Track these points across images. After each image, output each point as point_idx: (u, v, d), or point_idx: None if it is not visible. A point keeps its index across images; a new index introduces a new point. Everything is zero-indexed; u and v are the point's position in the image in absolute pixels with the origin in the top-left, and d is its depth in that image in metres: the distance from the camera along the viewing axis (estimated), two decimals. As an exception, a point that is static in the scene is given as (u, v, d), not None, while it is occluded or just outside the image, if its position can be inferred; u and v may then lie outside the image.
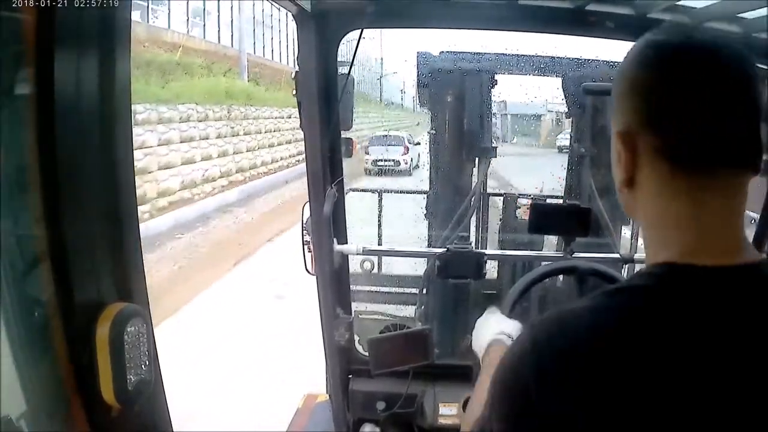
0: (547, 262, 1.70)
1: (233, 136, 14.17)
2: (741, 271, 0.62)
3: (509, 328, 1.21)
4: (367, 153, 13.87)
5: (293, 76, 1.73)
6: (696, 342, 0.58)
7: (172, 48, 14.26)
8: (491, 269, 2.37)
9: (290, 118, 17.35)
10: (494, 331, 1.21)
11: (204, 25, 18.00)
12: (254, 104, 15.56)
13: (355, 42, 1.68)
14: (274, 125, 16.98)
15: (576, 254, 1.79)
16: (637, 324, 0.59)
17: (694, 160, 0.62)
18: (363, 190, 3.38)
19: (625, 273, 2.08)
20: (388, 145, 14.04)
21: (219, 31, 18.44)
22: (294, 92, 1.72)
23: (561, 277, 2.49)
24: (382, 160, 13.67)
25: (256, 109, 15.62)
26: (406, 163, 13.90)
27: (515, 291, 1.47)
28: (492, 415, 0.65)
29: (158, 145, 10.49)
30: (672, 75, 0.63)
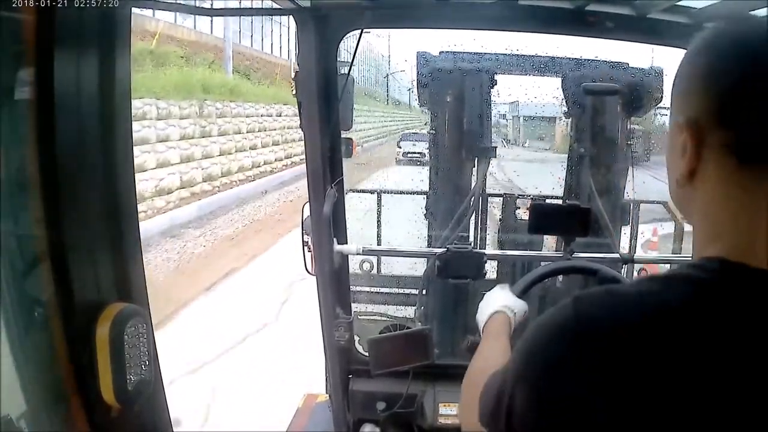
0: (546, 263, 1.70)
1: (204, 137, 12.19)
2: None
3: (514, 305, 1.23)
4: (399, 146, 16.61)
5: (293, 75, 1.73)
6: (742, 344, 0.56)
7: (151, 37, 12.68)
8: (491, 269, 2.36)
9: (280, 116, 15.82)
10: (500, 303, 1.23)
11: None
12: (237, 100, 13.87)
13: (355, 42, 1.68)
14: (259, 124, 15.03)
15: (576, 254, 1.80)
16: (686, 316, 0.57)
17: (765, 159, 0.60)
18: (362, 191, 3.37)
19: (624, 273, 2.08)
20: (416, 141, 15.50)
21: (212, 21, 16.65)
22: (294, 92, 1.73)
23: (561, 277, 2.50)
24: (410, 153, 15.60)
25: (237, 106, 13.79)
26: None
27: (532, 276, 1.47)
28: (515, 379, 0.63)
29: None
30: (753, 69, 0.61)
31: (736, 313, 0.57)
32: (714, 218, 0.63)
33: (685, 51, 0.68)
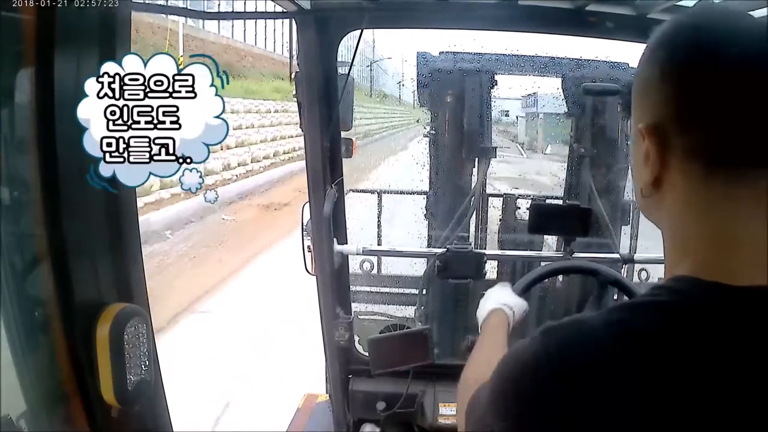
0: (546, 263, 1.70)
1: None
2: None
3: (513, 303, 1.23)
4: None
5: (293, 76, 1.73)
6: (716, 371, 0.52)
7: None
8: (491, 269, 2.37)
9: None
10: (499, 301, 1.23)
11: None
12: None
13: (355, 42, 1.68)
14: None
15: (576, 254, 1.80)
16: (655, 345, 0.53)
17: (735, 163, 0.55)
18: (362, 191, 3.36)
19: (624, 273, 2.08)
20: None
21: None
22: (294, 93, 1.73)
23: (561, 277, 2.50)
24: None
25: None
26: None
27: (533, 275, 1.47)
28: (492, 413, 0.62)
29: None
30: (714, 64, 0.55)
31: (709, 339, 0.53)
32: (683, 231, 0.59)
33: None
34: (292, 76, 1.73)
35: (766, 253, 0.55)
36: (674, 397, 0.52)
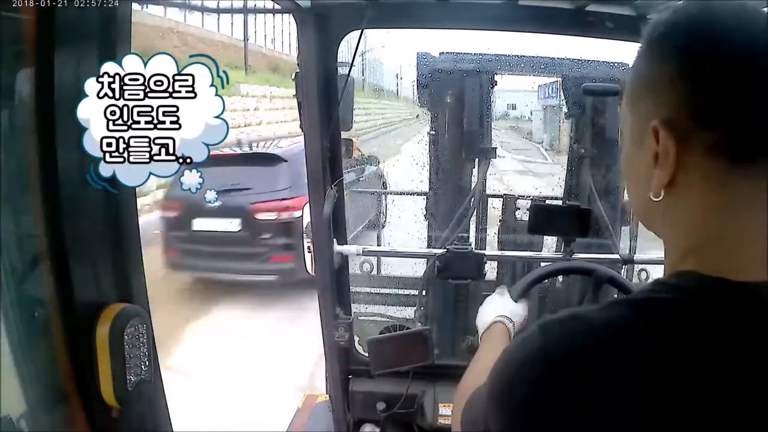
0: (546, 263, 1.70)
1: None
2: None
3: (512, 313, 1.22)
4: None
5: (293, 76, 1.73)
6: (719, 366, 0.51)
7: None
8: (491, 270, 2.37)
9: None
10: (499, 311, 1.23)
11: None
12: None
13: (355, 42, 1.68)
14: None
15: (576, 255, 1.80)
16: (656, 341, 0.52)
17: (757, 158, 0.54)
18: (362, 191, 3.37)
19: (624, 274, 2.08)
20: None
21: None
22: (294, 93, 1.73)
23: (561, 278, 2.50)
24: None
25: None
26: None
27: (529, 279, 1.48)
28: (490, 409, 0.61)
29: None
30: (733, 56, 0.53)
31: (709, 334, 0.52)
32: (691, 229, 0.57)
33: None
34: (293, 77, 1.73)
35: None
36: (674, 392, 0.51)
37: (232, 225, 4.72)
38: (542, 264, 1.75)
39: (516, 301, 1.29)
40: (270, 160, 5.23)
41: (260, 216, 4.84)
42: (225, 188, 4.58)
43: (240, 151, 5.68)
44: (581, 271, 1.57)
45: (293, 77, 1.73)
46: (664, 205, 0.58)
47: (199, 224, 4.77)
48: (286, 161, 5.12)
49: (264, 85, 13.86)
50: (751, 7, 0.56)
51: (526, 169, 11.21)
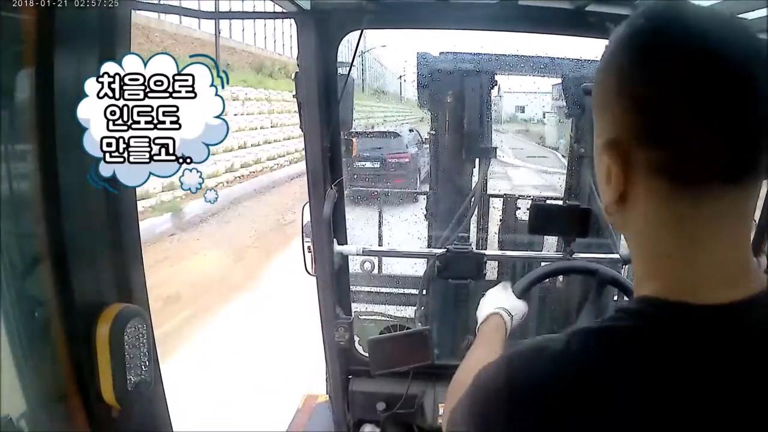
0: (546, 263, 1.70)
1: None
2: (745, 308, 0.53)
3: (512, 307, 1.23)
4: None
5: (293, 76, 1.73)
6: (686, 398, 0.51)
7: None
8: (491, 270, 2.37)
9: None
10: (499, 303, 1.23)
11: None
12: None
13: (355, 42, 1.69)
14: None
15: (576, 254, 1.80)
16: (618, 373, 0.52)
17: (701, 178, 0.52)
18: (363, 189, 3.37)
19: (624, 273, 2.08)
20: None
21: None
22: (294, 93, 1.73)
23: (561, 278, 2.50)
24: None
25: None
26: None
27: (532, 276, 1.48)
28: (469, 422, 0.62)
29: None
30: (674, 74, 0.51)
31: (671, 363, 0.52)
32: (649, 248, 0.57)
33: None
34: (292, 77, 1.73)
35: (730, 270, 0.54)
36: (639, 423, 0.51)
37: (376, 164, 9.57)
38: (543, 263, 1.75)
39: (518, 297, 1.29)
40: (392, 134, 10.72)
41: (390, 160, 9.76)
42: (374, 147, 9.69)
43: (377, 130, 11.43)
44: (585, 272, 1.58)
45: (293, 77, 1.73)
46: (620, 219, 0.58)
47: (360, 164, 9.25)
48: (400, 135, 10.51)
49: (238, 85, 12.85)
50: (695, 23, 0.53)
51: (547, 183, 10.27)
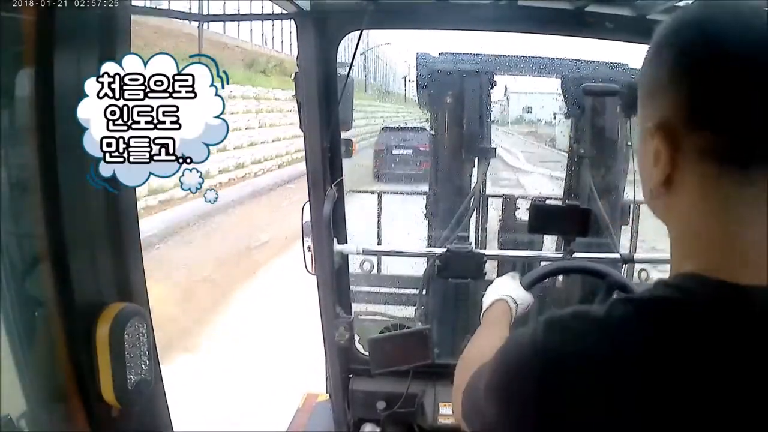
0: (546, 263, 1.70)
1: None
2: None
3: (518, 296, 1.22)
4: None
5: (293, 77, 1.73)
6: (718, 369, 0.51)
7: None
8: (491, 269, 2.37)
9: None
10: (505, 291, 1.22)
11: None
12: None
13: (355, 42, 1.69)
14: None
15: (576, 254, 1.80)
16: (659, 343, 0.52)
17: (750, 161, 0.54)
18: (362, 191, 3.37)
19: (624, 273, 2.08)
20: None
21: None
22: (294, 93, 1.73)
23: (561, 278, 2.50)
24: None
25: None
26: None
27: (542, 270, 1.48)
28: (487, 398, 0.62)
29: None
30: (725, 61, 0.53)
31: (711, 337, 0.52)
32: (692, 230, 0.58)
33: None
34: (292, 77, 1.74)
35: None
36: (676, 393, 0.51)
37: (408, 152, 10.89)
38: (542, 263, 1.75)
39: (526, 289, 1.29)
40: (421, 128, 10.50)
41: (420, 149, 10.31)
42: (406, 138, 11.36)
43: (409, 126, 12.78)
44: (596, 274, 1.57)
45: (292, 77, 1.73)
46: (665, 203, 0.59)
47: (395, 152, 11.12)
48: (426, 129, 9.32)
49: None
50: (748, 9, 0.56)
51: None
